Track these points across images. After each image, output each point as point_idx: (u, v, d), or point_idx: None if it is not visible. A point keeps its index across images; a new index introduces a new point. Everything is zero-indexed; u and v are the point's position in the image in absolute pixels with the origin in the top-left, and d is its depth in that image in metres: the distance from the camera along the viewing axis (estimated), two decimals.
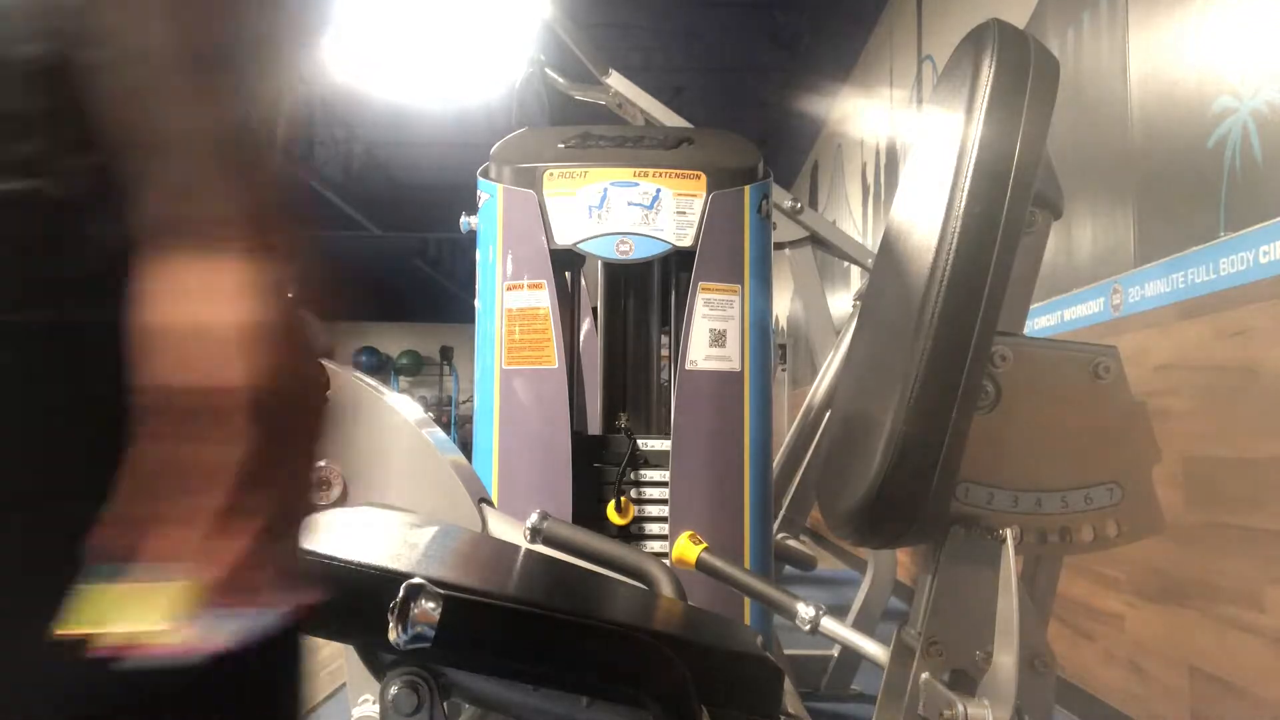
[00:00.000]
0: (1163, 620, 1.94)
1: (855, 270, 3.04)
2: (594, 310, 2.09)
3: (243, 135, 0.38)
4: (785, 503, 2.44)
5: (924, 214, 0.99)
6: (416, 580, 0.73)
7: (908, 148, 4.32)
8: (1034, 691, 0.94)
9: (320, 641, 0.80)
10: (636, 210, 1.75)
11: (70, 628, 0.35)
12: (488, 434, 1.75)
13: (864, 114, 5.39)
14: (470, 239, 1.92)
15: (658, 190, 1.76)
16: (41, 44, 0.39)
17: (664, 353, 1.98)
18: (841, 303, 4.43)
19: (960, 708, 0.96)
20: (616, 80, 2.44)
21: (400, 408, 1.32)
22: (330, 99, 8.43)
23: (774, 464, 2.47)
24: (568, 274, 1.86)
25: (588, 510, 1.73)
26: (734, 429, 1.75)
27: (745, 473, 1.76)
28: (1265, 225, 1.67)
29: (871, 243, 4.21)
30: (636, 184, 1.76)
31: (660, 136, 1.88)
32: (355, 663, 1.09)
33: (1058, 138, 0.99)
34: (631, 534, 1.75)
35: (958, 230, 0.92)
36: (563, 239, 1.74)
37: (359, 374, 1.53)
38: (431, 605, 0.69)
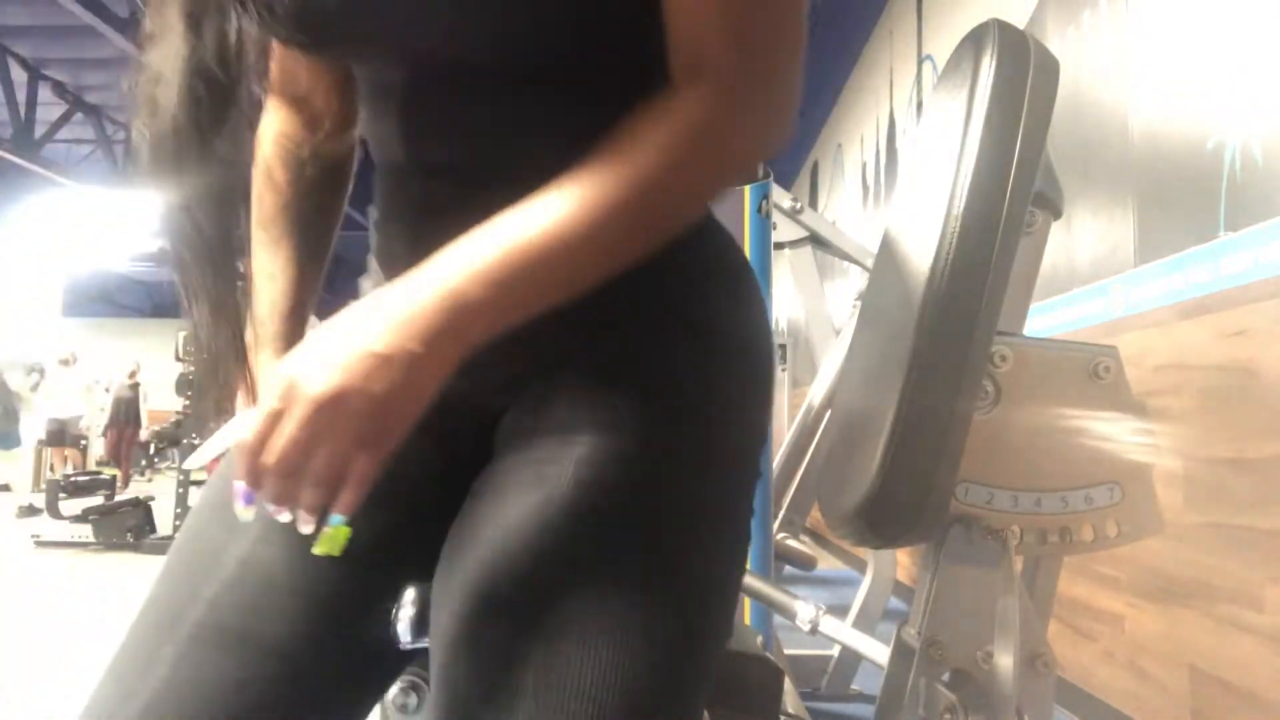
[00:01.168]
0: (1163, 620, 1.94)
1: (855, 270, 3.04)
2: None
3: None
4: (785, 503, 2.44)
5: (924, 214, 0.99)
6: (416, 582, 0.73)
7: (907, 148, 4.31)
8: (1034, 691, 0.94)
9: None
10: None
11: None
12: None
13: (864, 114, 5.39)
14: None
15: None
16: None
17: None
18: (841, 303, 4.43)
19: (960, 708, 0.96)
20: None
21: None
22: None
23: (774, 464, 2.47)
24: None
25: None
26: None
27: None
28: (1265, 225, 1.67)
29: (871, 242, 4.21)
30: None
31: None
32: None
33: (1058, 138, 0.99)
34: None
35: (957, 230, 0.92)
36: None
37: None
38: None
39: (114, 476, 7.50)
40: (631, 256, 0.59)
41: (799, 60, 0.61)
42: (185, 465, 0.81)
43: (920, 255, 0.96)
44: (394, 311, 0.54)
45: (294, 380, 0.54)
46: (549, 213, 0.56)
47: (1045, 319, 2.56)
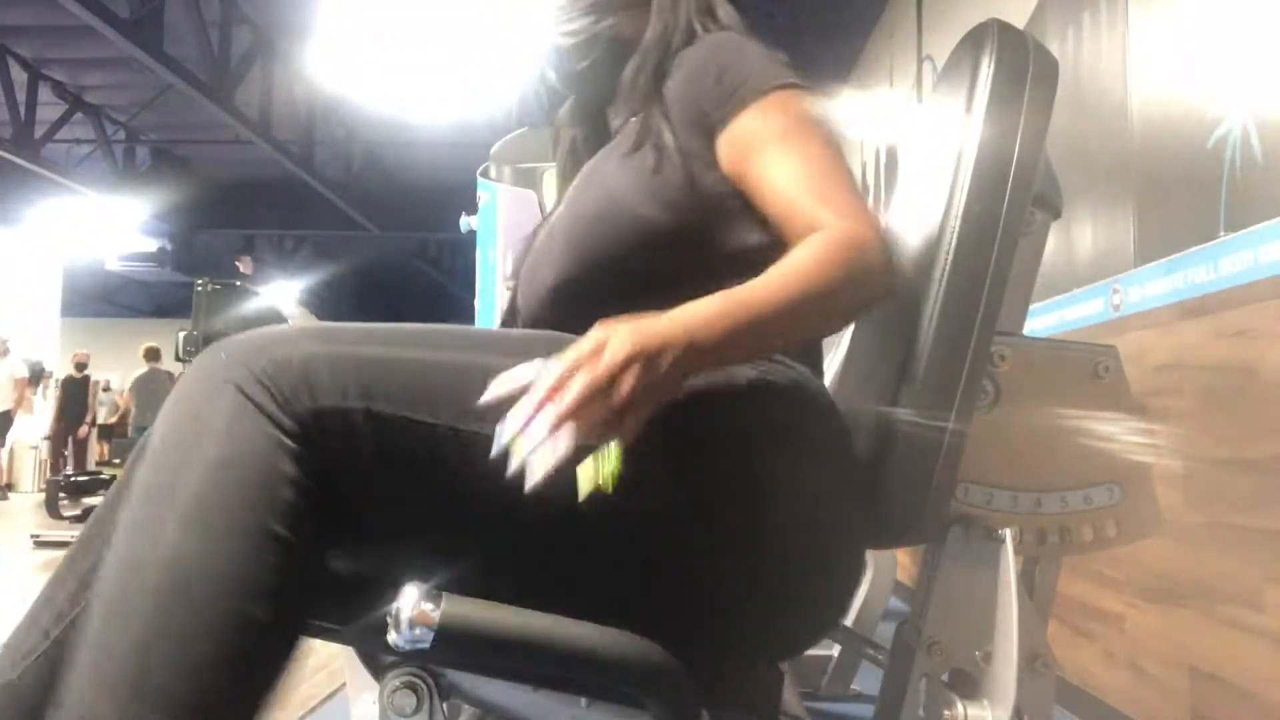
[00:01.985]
0: (1163, 620, 1.94)
1: None
2: None
3: None
4: None
5: (923, 214, 0.99)
6: (415, 582, 0.73)
7: (907, 148, 4.31)
8: (1034, 691, 0.94)
9: (320, 642, 0.80)
10: None
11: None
12: None
13: (864, 114, 5.39)
14: (470, 239, 1.92)
15: None
16: None
17: None
18: None
19: (960, 708, 0.96)
20: None
21: None
22: (331, 100, 8.43)
23: None
24: None
25: None
26: None
27: None
28: (1265, 225, 1.67)
29: None
30: None
31: None
32: (355, 663, 1.09)
33: (1057, 138, 0.99)
34: None
35: (957, 230, 0.92)
36: None
37: None
38: (430, 607, 0.69)
39: (114, 477, 7.49)
40: (806, 329, 0.85)
41: (858, 200, 0.89)
42: (485, 401, 0.81)
43: (920, 255, 0.96)
44: (668, 325, 0.74)
45: (613, 333, 0.71)
46: (755, 292, 0.79)
47: (1045, 319, 2.56)
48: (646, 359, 0.71)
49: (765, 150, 0.92)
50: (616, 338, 0.71)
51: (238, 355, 0.70)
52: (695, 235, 0.92)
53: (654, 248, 0.92)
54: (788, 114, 0.92)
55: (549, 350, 0.73)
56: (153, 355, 8.97)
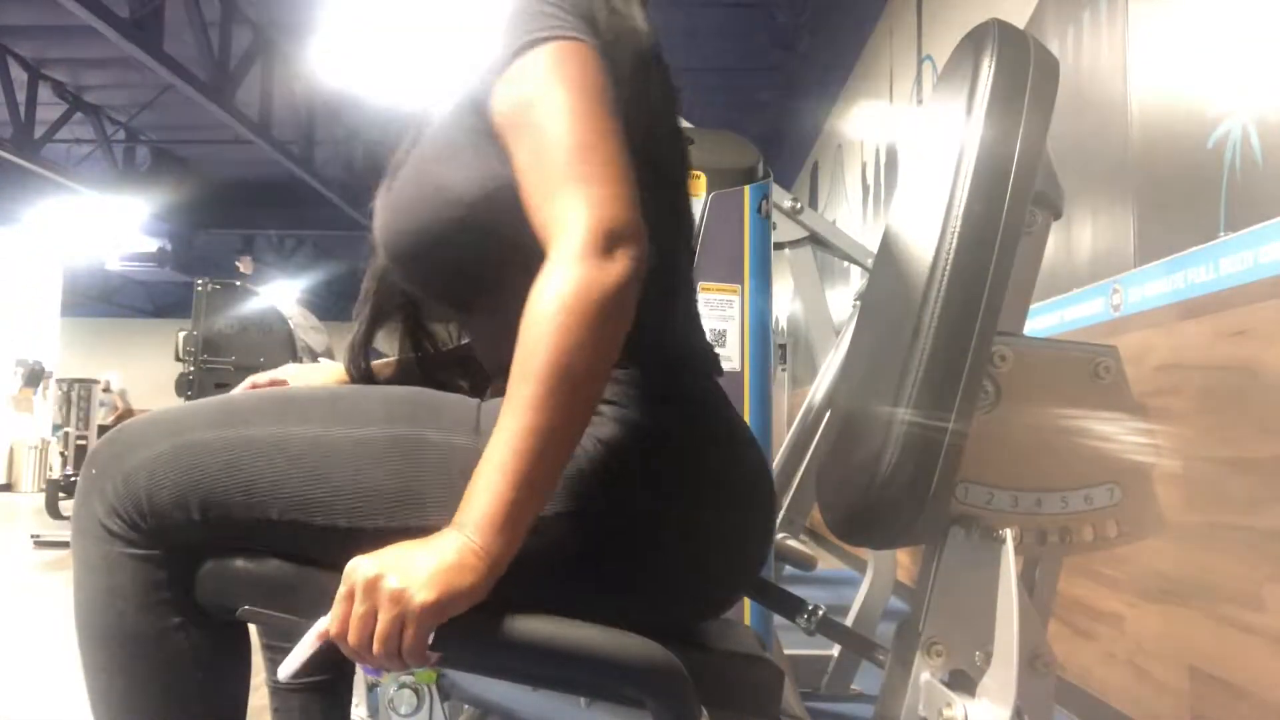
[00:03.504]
0: (1163, 620, 1.94)
1: (855, 270, 3.04)
2: None
3: None
4: (785, 503, 2.44)
5: (924, 214, 0.99)
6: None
7: (907, 148, 4.31)
8: (1034, 691, 0.94)
9: None
10: None
11: None
12: None
13: (864, 114, 5.39)
14: None
15: None
16: None
17: None
18: (841, 303, 4.43)
19: (960, 707, 0.96)
20: None
21: None
22: (332, 100, 8.43)
23: (774, 464, 2.47)
24: None
25: None
26: None
27: None
28: (1265, 225, 1.67)
29: (871, 243, 4.20)
30: None
31: None
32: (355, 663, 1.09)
33: (1058, 138, 0.99)
34: None
35: (957, 230, 0.92)
36: None
37: None
38: None
39: None
40: (580, 412, 0.72)
41: (607, 176, 0.76)
42: (280, 675, 0.82)
43: (920, 255, 0.96)
44: (471, 574, 0.69)
45: (354, 568, 0.69)
46: (512, 439, 0.70)
47: (1045, 319, 2.56)
48: (383, 587, 0.68)
49: (514, 127, 0.81)
50: (356, 574, 0.69)
51: (95, 490, 0.80)
52: (492, 225, 0.83)
53: (460, 230, 0.84)
54: (537, 76, 0.80)
55: (368, 420, 0.80)
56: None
